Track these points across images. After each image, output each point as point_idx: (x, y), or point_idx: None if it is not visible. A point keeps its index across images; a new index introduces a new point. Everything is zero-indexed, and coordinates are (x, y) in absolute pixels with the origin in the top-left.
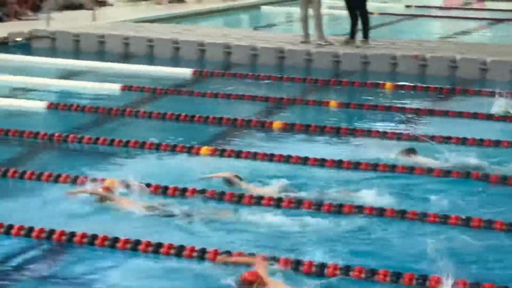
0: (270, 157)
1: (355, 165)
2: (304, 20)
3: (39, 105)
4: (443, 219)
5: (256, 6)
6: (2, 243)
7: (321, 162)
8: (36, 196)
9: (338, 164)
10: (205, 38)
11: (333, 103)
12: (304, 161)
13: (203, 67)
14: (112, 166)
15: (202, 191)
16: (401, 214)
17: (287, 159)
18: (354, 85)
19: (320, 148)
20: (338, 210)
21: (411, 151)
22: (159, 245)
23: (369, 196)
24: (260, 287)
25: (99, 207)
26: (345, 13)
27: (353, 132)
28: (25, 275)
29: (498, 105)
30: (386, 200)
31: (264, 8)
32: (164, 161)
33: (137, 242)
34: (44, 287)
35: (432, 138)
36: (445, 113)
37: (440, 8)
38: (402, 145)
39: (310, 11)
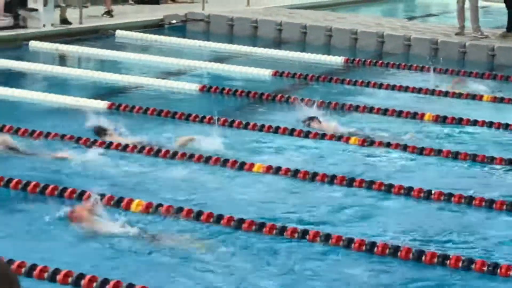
0: (420, 151)
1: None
2: (461, 11)
3: (191, 87)
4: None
5: None
6: None
7: (473, 158)
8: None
9: (490, 160)
10: (358, 27)
11: (486, 97)
12: (455, 155)
13: (355, 55)
14: (263, 152)
15: (351, 181)
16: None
17: (437, 153)
18: (509, 80)
19: (472, 142)
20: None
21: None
22: None
23: None
24: None
25: None
26: (502, 6)
27: (507, 128)
28: None
29: None
30: None
31: None
32: (311, 149)
33: None
34: None
35: None
36: None
37: None
38: None
39: (467, 3)
